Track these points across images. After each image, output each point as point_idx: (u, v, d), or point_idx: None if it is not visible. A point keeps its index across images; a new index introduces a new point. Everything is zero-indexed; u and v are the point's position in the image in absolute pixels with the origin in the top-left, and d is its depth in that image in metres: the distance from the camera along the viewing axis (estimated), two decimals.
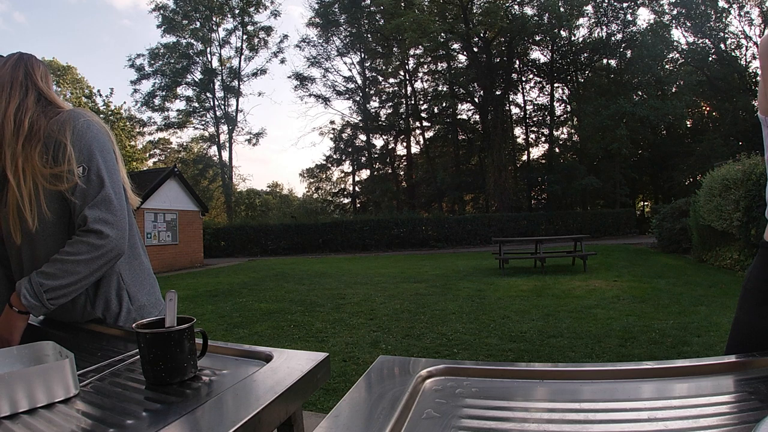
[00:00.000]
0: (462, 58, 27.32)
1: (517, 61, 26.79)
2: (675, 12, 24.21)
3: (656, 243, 13.00)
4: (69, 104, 1.17)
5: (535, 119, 28.59)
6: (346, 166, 31.03)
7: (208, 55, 28.85)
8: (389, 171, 30.31)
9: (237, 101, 29.32)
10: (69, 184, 1.01)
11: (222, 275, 11.27)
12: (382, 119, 29.33)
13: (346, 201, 31.95)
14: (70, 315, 1.11)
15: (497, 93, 25.87)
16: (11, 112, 1.05)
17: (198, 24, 28.27)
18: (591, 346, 3.87)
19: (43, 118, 1.09)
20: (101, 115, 27.82)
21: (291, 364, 0.75)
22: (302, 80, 29.02)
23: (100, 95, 28.64)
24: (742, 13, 23.75)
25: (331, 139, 30.86)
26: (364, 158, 30.00)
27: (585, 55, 26.21)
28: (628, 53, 24.93)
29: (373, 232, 20.27)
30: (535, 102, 28.38)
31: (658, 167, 26.34)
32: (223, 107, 29.38)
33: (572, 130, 27.66)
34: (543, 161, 28.10)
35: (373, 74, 29.52)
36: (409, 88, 28.74)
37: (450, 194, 26.97)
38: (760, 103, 0.84)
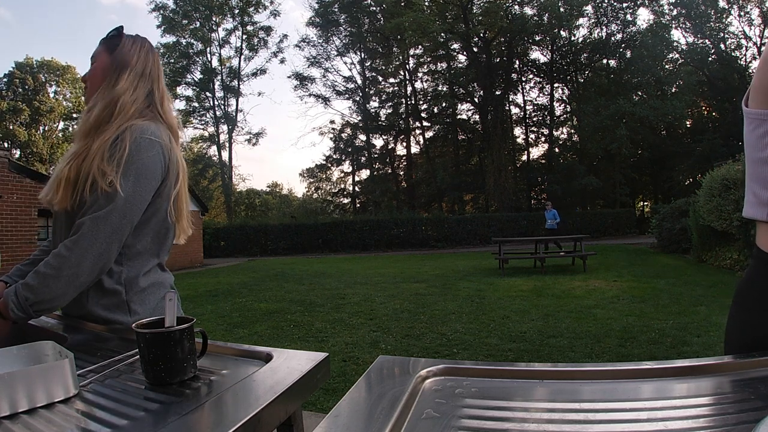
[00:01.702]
0: (462, 58, 27.34)
1: (517, 61, 26.78)
2: (675, 12, 24.22)
3: (656, 243, 13.00)
4: (173, 112, 1.23)
5: (534, 119, 28.60)
6: (346, 166, 31.05)
7: (208, 55, 28.87)
8: (389, 171, 30.31)
9: (237, 101, 29.35)
10: (104, 184, 1.01)
11: (222, 275, 11.26)
12: (382, 119, 29.32)
13: (345, 201, 31.95)
14: (71, 310, 1.11)
15: (497, 93, 25.87)
16: (124, 98, 1.11)
17: (198, 24, 28.27)
18: (591, 346, 3.87)
19: (135, 113, 1.13)
20: None
21: (291, 364, 0.75)
22: (302, 80, 29.03)
23: None
24: (742, 14, 23.77)
25: (330, 139, 30.89)
26: (363, 158, 29.99)
27: (585, 55, 26.20)
28: (628, 53, 24.92)
29: (372, 232, 20.26)
30: (535, 102, 28.41)
31: (658, 167, 26.34)
32: (222, 107, 29.41)
33: (572, 130, 27.66)
34: (543, 161, 28.10)
35: (373, 74, 29.52)
36: (409, 88, 28.76)
37: (450, 194, 26.96)
38: (754, 97, 0.78)
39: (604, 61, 26.20)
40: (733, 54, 24.47)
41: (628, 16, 24.87)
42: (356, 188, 30.91)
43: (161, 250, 1.17)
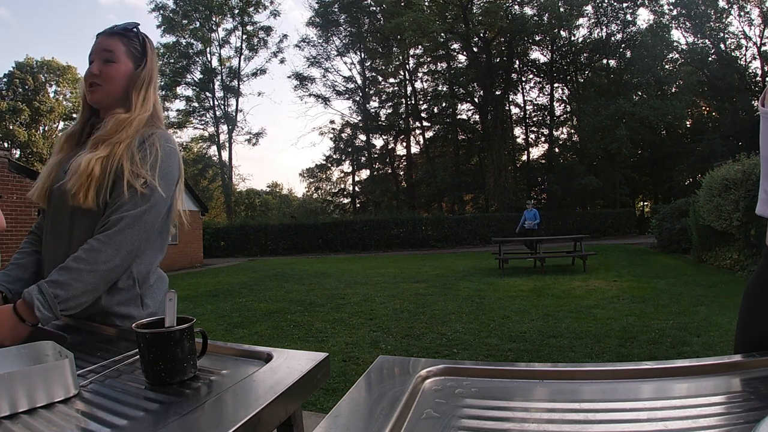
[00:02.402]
0: (462, 58, 27.34)
1: (517, 61, 26.78)
2: (675, 12, 24.22)
3: (656, 243, 13.00)
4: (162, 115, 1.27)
5: (534, 119, 28.60)
6: (346, 166, 31.04)
7: (208, 55, 28.86)
8: (389, 171, 30.31)
9: (237, 101, 29.33)
10: (137, 185, 1.04)
11: (222, 275, 11.26)
12: (382, 119, 29.32)
13: (345, 201, 31.95)
14: (85, 309, 1.09)
15: (497, 93, 25.87)
16: (155, 105, 1.18)
17: (198, 24, 28.27)
18: (591, 346, 3.87)
19: (149, 119, 1.17)
20: None
21: (291, 364, 0.75)
22: (302, 80, 29.02)
23: None
24: (742, 14, 23.75)
25: (330, 139, 30.87)
26: (363, 158, 29.99)
27: (585, 55, 26.20)
28: (628, 53, 24.93)
29: (372, 232, 20.26)
30: (535, 102, 28.40)
31: (658, 167, 26.34)
32: (222, 107, 29.40)
33: (572, 130, 27.66)
34: (543, 161, 28.11)
35: (373, 74, 29.52)
36: (409, 88, 28.75)
37: (450, 194, 26.95)
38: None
39: (604, 61, 26.20)
40: (733, 54, 24.47)
41: (628, 16, 24.89)
42: (356, 188, 30.91)
43: (164, 247, 1.21)
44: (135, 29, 1.18)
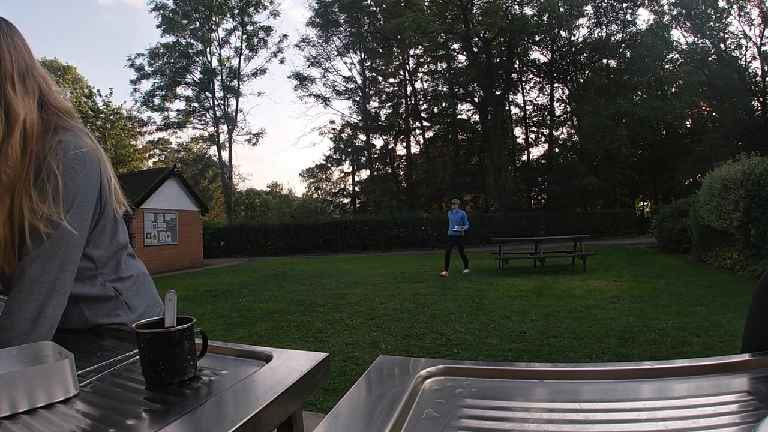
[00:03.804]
0: (462, 58, 27.36)
1: (517, 61, 26.79)
2: (675, 12, 24.22)
3: (656, 243, 13.00)
4: (67, 102, 1.01)
5: (534, 119, 28.62)
6: (346, 166, 31.07)
7: (208, 55, 28.88)
8: (389, 171, 30.32)
9: (237, 101, 29.36)
10: (39, 225, 0.86)
11: (222, 275, 11.26)
12: (382, 119, 29.33)
13: (345, 201, 31.97)
14: (76, 326, 1.06)
15: (497, 93, 25.87)
16: (29, 116, 0.89)
17: (198, 24, 28.28)
18: (591, 346, 3.87)
19: (40, 126, 0.92)
20: (101, 115, 27.86)
21: (291, 364, 0.75)
22: (302, 80, 29.04)
23: (100, 95, 28.68)
24: (742, 13, 23.76)
25: (330, 139, 30.91)
26: (363, 158, 30.00)
27: (585, 55, 26.22)
28: (628, 53, 24.94)
29: (372, 232, 20.26)
30: (535, 102, 28.43)
31: (658, 167, 26.36)
32: (222, 107, 29.42)
33: (572, 130, 27.68)
34: (543, 161, 28.12)
35: (373, 74, 29.54)
36: (409, 88, 28.77)
37: (450, 194, 26.95)
38: None
39: (604, 61, 26.21)
40: (733, 54, 24.47)
41: (628, 16, 24.91)
42: (356, 188, 30.93)
43: (122, 239, 1.09)
44: None
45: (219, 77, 29.17)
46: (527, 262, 10.14)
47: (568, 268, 9.48)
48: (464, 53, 26.61)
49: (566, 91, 27.66)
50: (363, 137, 29.65)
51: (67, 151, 0.90)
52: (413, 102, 28.58)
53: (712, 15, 23.73)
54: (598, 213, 22.95)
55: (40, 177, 0.88)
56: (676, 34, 28.11)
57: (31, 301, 0.86)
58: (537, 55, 27.46)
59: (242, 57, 29.44)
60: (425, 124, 29.12)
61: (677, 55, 25.65)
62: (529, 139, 28.68)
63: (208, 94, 29.20)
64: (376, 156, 30.21)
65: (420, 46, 25.91)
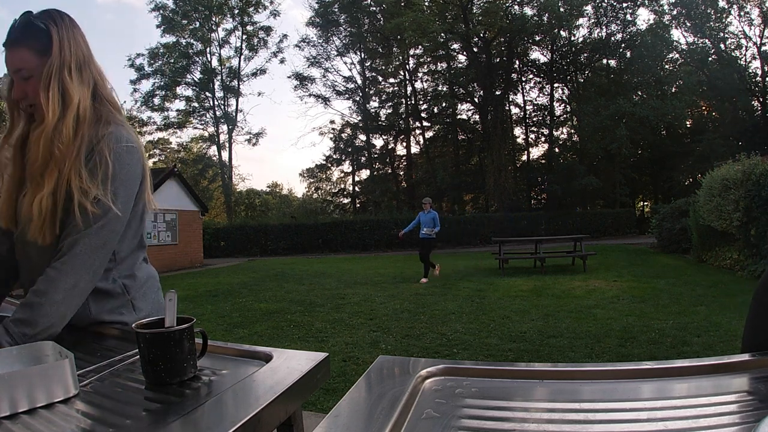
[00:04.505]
0: (462, 58, 27.34)
1: (517, 61, 26.79)
2: (675, 12, 24.22)
3: (656, 243, 13.00)
4: (117, 98, 1.10)
5: (534, 119, 28.61)
6: (346, 166, 31.06)
7: (208, 55, 28.86)
8: (389, 171, 30.31)
9: (237, 101, 29.34)
10: (88, 204, 0.94)
11: (222, 275, 11.26)
12: (382, 119, 29.32)
13: (345, 201, 31.95)
14: (77, 322, 1.07)
15: (497, 93, 25.87)
16: (82, 103, 0.99)
17: (197, 24, 28.27)
18: (591, 346, 3.87)
19: (93, 115, 1.02)
20: None
21: (291, 364, 0.75)
22: (302, 80, 29.03)
23: None
24: (742, 13, 23.76)
25: (330, 139, 30.87)
26: (363, 158, 29.99)
27: (585, 55, 26.21)
28: (628, 53, 24.94)
29: (372, 232, 20.25)
30: (535, 102, 28.41)
31: (658, 167, 26.35)
32: (222, 107, 29.40)
33: (572, 130, 27.67)
34: (543, 161, 28.11)
35: (373, 74, 29.52)
36: (409, 88, 28.75)
37: (450, 194, 26.96)
38: None
39: (604, 61, 26.21)
40: (733, 54, 24.48)
41: (628, 16, 24.90)
42: (356, 188, 30.92)
43: (143, 245, 1.16)
44: (35, 23, 0.96)
45: (219, 77, 29.16)
46: (527, 262, 10.14)
47: (568, 268, 9.48)
48: (464, 53, 26.61)
49: (566, 91, 27.67)
50: (363, 137, 29.65)
51: (119, 141, 1.00)
52: (413, 102, 28.58)
53: (712, 15, 23.73)
54: (598, 213, 22.94)
55: (91, 160, 0.97)
56: (676, 34, 28.13)
57: (71, 274, 0.94)
58: (537, 55, 27.49)
59: (242, 57, 29.46)
60: (425, 124, 29.14)
61: (677, 55, 25.66)
62: (529, 139, 28.69)
63: (208, 94, 29.20)
64: (376, 156, 30.21)
65: (420, 46, 25.91)
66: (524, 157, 28.80)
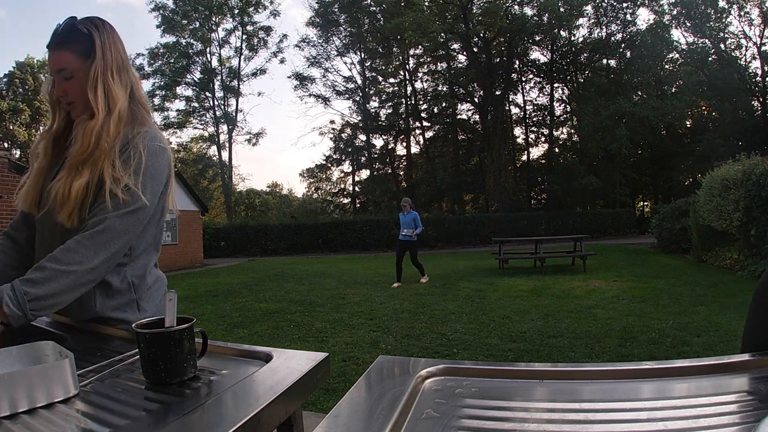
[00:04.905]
0: (462, 58, 27.33)
1: (517, 61, 26.78)
2: (675, 12, 24.22)
3: (656, 243, 13.00)
4: (149, 102, 1.19)
5: (534, 119, 28.60)
6: (346, 166, 31.03)
7: (208, 55, 28.85)
8: (389, 171, 30.29)
9: (237, 101, 29.33)
10: (118, 191, 1.00)
11: (222, 275, 11.26)
12: (382, 119, 29.30)
13: (345, 201, 31.93)
14: (79, 314, 1.09)
15: (497, 93, 25.86)
16: (121, 103, 1.06)
17: (197, 24, 28.26)
18: (591, 346, 3.87)
19: (129, 115, 1.09)
20: None
21: (291, 364, 0.75)
22: (302, 80, 29.01)
23: None
24: (742, 13, 23.76)
25: (330, 139, 30.83)
26: (363, 158, 29.98)
27: (585, 55, 26.20)
28: (628, 53, 24.93)
29: (372, 232, 20.25)
30: (535, 102, 28.39)
31: (658, 167, 26.34)
32: (222, 107, 29.39)
33: (572, 130, 27.66)
34: (543, 161, 28.10)
35: (373, 74, 29.50)
36: (409, 88, 28.74)
37: (450, 194, 26.95)
38: None
39: (604, 61, 26.20)
40: (733, 54, 24.47)
41: (628, 16, 24.89)
42: (356, 188, 30.90)
43: (158, 247, 1.19)
44: (78, 28, 1.05)
45: (219, 77, 29.15)
46: (527, 262, 10.14)
47: (568, 268, 9.48)
48: (464, 53, 26.60)
49: (566, 91, 27.66)
50: (363, 137, 29.63)
51: (153, 140, 1.07)
52: (413, 102, 28.57)
53: (712, 15, 23.72)
54: (598, 213, 22.94)
55: (126, 152, 1.04)
56: (676, 34, 28.15)
57: (90, 249, 0.97)
58: (537, 55, 27.47)
59: (242, 57, 29.44)
60: (425, 124, 29.12)
61: (677, 55, 25.64)
62: (529, 139, 28.67)
63: (208, 94, 29.20)
64: (376, 156, 30.19)
65: (420, 46, 25.90)
66: (524, 157, 28.80)
